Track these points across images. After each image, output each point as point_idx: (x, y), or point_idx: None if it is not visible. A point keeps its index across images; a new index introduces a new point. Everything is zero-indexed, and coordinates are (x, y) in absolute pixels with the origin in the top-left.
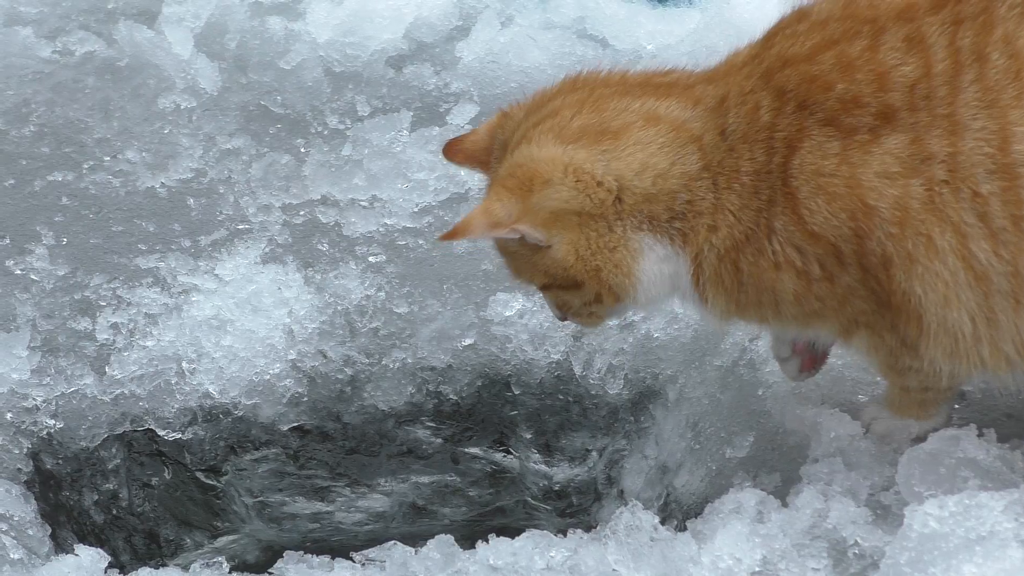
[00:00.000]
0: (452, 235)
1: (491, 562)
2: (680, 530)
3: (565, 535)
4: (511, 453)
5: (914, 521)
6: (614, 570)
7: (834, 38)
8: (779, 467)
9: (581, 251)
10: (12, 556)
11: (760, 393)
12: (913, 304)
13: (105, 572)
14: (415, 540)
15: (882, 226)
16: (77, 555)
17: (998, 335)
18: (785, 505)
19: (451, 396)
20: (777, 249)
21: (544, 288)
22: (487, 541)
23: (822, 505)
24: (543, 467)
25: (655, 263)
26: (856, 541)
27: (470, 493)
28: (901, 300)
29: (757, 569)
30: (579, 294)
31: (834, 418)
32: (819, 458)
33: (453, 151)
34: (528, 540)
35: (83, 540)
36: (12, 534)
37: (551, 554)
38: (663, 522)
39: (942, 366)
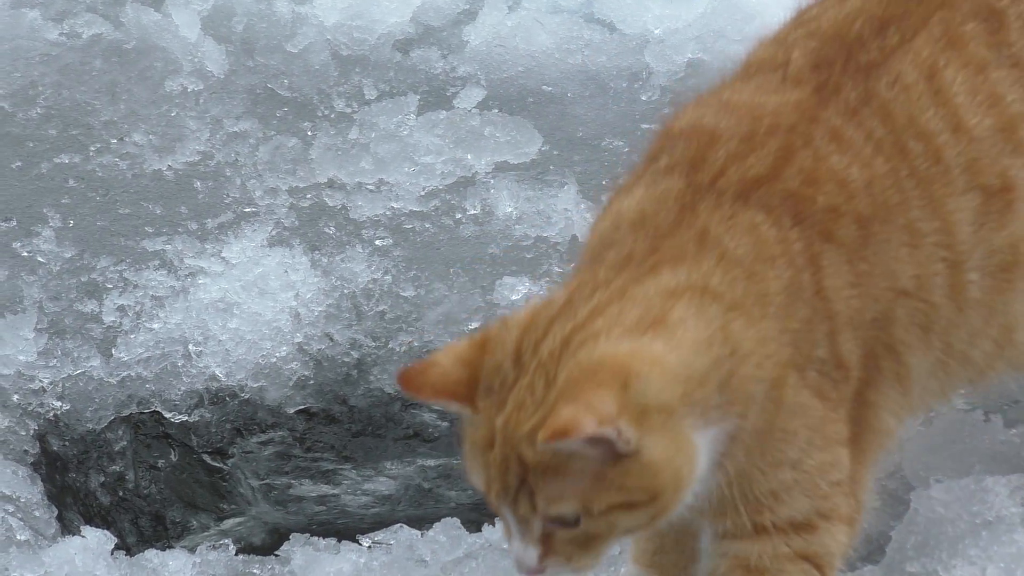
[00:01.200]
0: (556, 435)
1: (498, 544)
2: None
3: None
4: None
5: (920, 506)
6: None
7: (783, 152)
8: None
9: (670, 453)
10: (19, 537)
11: None
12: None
13: (112, 554)
14: (421, 523)
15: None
16: (84, 536)
17: None
18: None
19: None
20: (813, 376)
21: (603, 512)
22: (493, 524)
23: None
24: None
25: (704, 450)
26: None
27: None
28: None
29: None
30: (645, 511)
31: None
32: None
33: (418, 385)
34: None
35: (90, 522)
36: (19, 515)
37: None
38: None
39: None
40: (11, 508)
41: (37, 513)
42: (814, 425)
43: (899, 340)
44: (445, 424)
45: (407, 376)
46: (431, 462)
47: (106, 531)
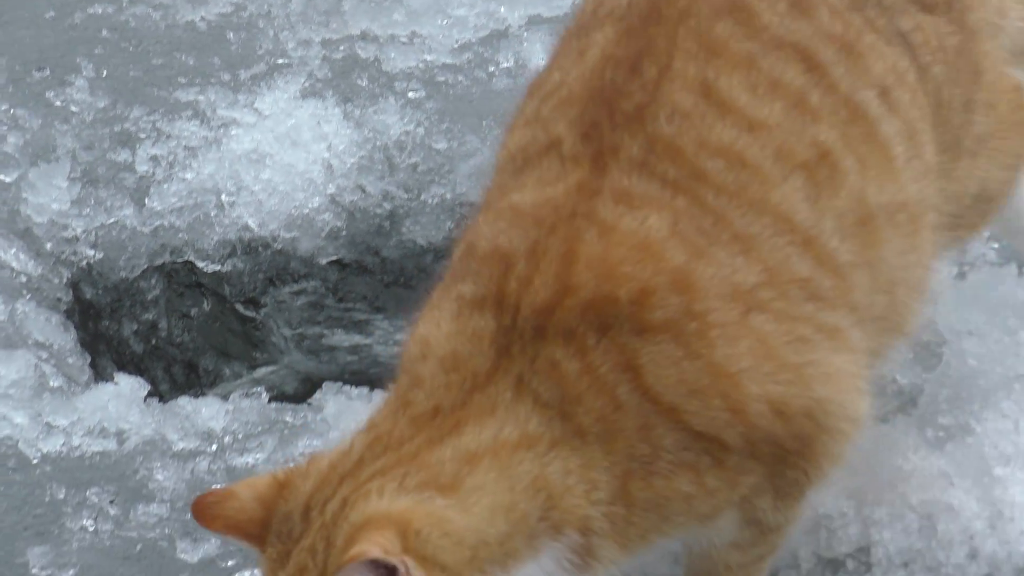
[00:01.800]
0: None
1: None
2: None
3: None
4: None
5: (953, 359)
6: None
7: (567, 252)
8: None
9: None
10: (52, 384)
11: None
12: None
13: (144, 400)
14: None
15: (756, 387)
16: (117, 383)
17: None
18: None
19: None
20: (669, 461)
21: None
22: None
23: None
24: None
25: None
26: (895, 379)
27: None
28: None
29: None
30: None
31: None
32: None
33: (211, 517)
34: None
35: (122, 369)
36: (52, 362)
37: None
38: None
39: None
40: (44, 355)
41: (70, 360)
42: (686, 497)
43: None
44: None
45: (200, 505)
46: None
47: (139, 378)
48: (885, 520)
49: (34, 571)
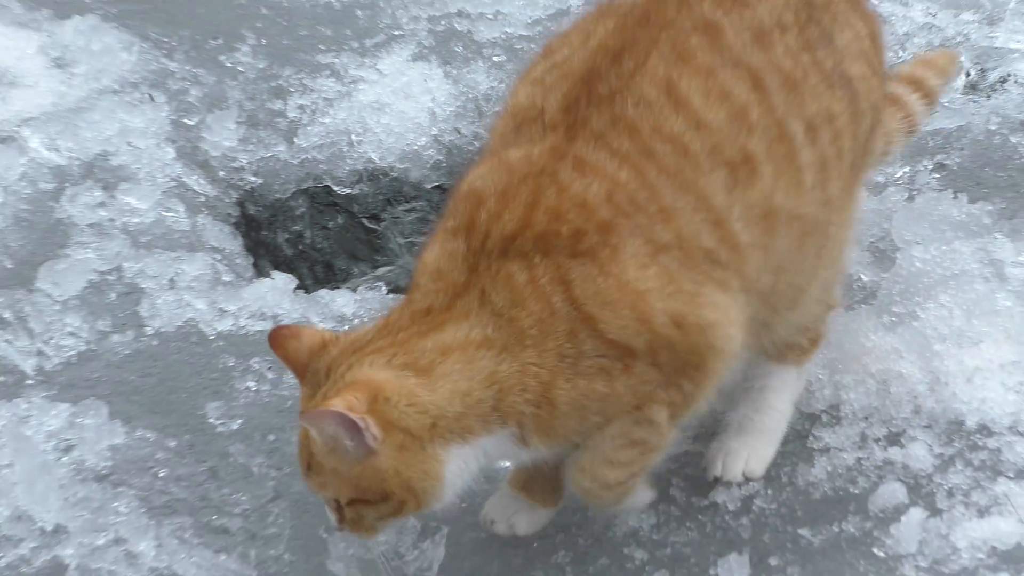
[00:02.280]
0: (312, 415)
1: None
2: None
3: None
4: None
5: (903, 262)
6: None
7: (531, 199)
8: None
9: (399, 465)
10: (224, 279)
11: None
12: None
13: (294, 292)
14: None
15: (660, 303)
16: (273, 279)
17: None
18: None
19: None
20: (588, 364)
21: (348, 504)
22: None
23: None
24: None
25: (465, 461)
26: (860, 276)
27: None
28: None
29: None
30: (381, 507)
31: None
32: None
33: (277, 343)
34: None
35: (277, 268)
36: (224, 262)
37: None
38: None
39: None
40: (218, 256)
41: (238, 261)
42: (601, 397)
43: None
44: None
45: (276, 333)
46: None
47: (289, 275)
48: (851, 384)
49: (211, 420)
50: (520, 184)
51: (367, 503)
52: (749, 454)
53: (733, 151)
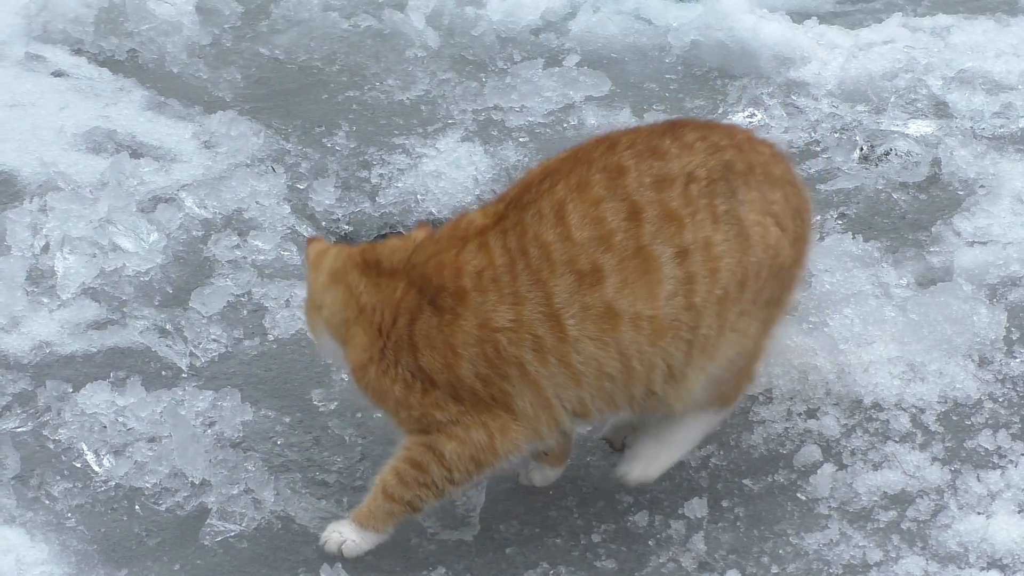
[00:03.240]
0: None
1: None
2: None
3: None
4: None
5: (817, 285)
6: None
7: (439, 248)
8: None
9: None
10: None
11: None
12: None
13: None
14: None
15: (470, 367)
16: None
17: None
18: None
19: None
20: (399, 371)
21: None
22: None
23: None
24: None
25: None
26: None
27: None
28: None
29: None
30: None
31: None
32: None
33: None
34: None
35: None
36: None
37: None
38: None
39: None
40: None
41: None
42: (394, 398)
43: (515, 356)
44: None
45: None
46: None
47: None
48: (779, 373)
49: (315, 402)
50: (450, 239)
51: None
52: (649, 462)
53: (584, 262)
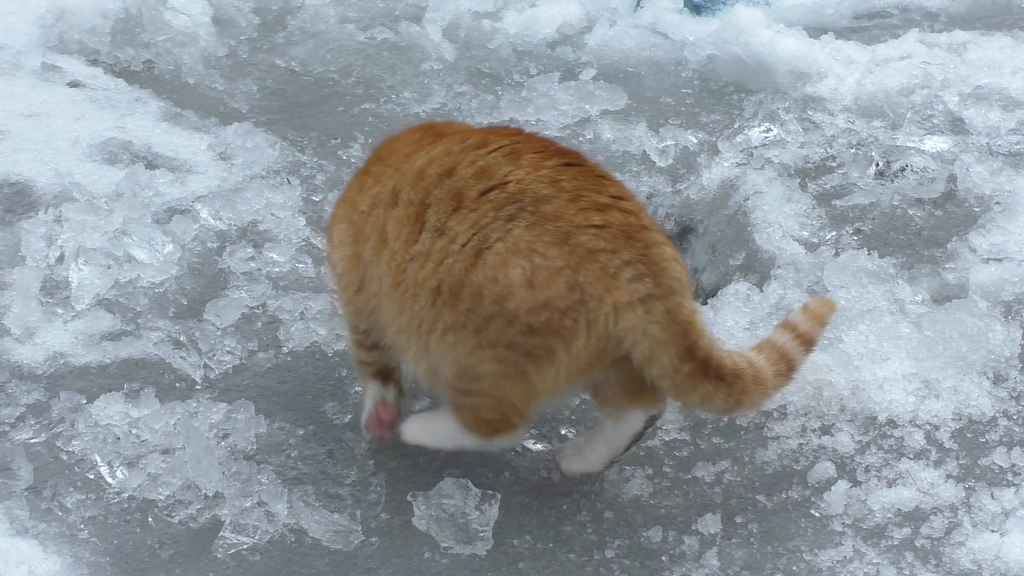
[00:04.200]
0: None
1: None
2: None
3: None
4: None
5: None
6: None
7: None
8: (759, 270)
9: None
10: (339, 312)
11: (749, 228)
12: None
13: None
14: None
15: None
16: None
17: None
18: (761, 291)
19: None
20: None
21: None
22: None
23: (783, 291)
24: None
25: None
26: None
27: None
28: None
29: (746, 327)
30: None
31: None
32: (781, 266)
33: None
34: None
35: None
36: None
37: None
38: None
39: None
40: (336, 296)
41: None
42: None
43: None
44: None
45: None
46: None
47: None
48: (794, 390)
49: (329, 415)
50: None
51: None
52: (587, 457)
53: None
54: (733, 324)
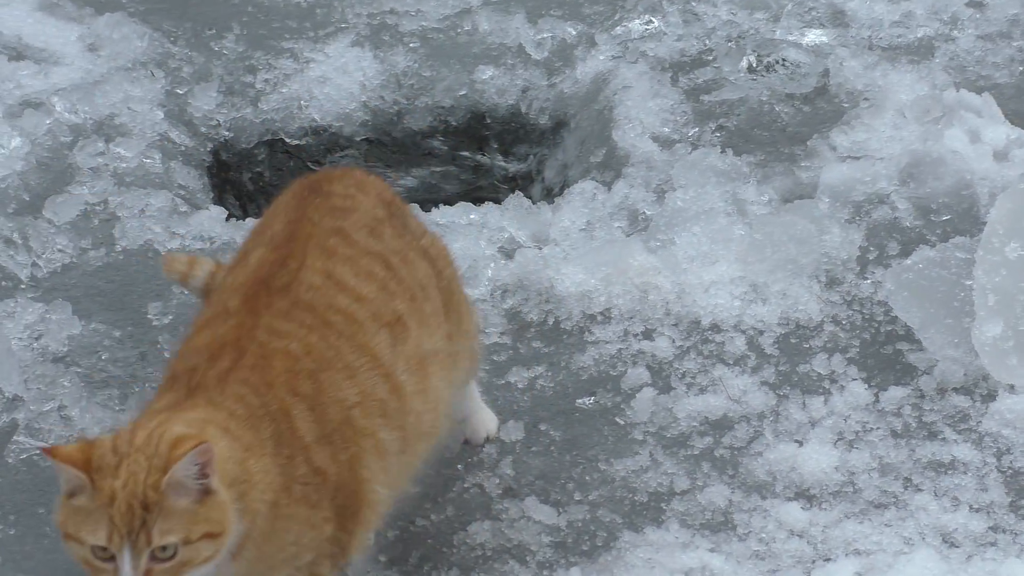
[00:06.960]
0: (194, 452)
1: (438, 221)
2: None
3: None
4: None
5: (670, 201)
6: (502, 226)
7: (238, 353)
8: (615, 168)
9: (227, 504)
10: (180, 210)
11: (611, 124)
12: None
13: (226, 220)
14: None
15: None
16: (209, 210)
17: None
18: (608, 191)
19: (453, 123)
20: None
21: (196, 540)
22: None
23: (628, 191)
24: (503, 163)
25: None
26: (644, 212)
27: (462, 178)
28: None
29: (583, 228)
30: (218, 542)
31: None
32: (634, 164)
33: (61, 455)
34: (460, 207)
35: (240, 201)
36: (184, 197)
37: (471, 216)
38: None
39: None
40: (182, 192)
41: (199, 196)
42: (303, 522)
43: (365, 427)
44: (446, 148)
45: (55, 450)
46: (438, 169)
47: (222, 208)
48: (620, 293)
49: (149, 316)
50: (223, 348)
51: (211, 537)
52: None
53: (388, 314)
54: (570, 224)
